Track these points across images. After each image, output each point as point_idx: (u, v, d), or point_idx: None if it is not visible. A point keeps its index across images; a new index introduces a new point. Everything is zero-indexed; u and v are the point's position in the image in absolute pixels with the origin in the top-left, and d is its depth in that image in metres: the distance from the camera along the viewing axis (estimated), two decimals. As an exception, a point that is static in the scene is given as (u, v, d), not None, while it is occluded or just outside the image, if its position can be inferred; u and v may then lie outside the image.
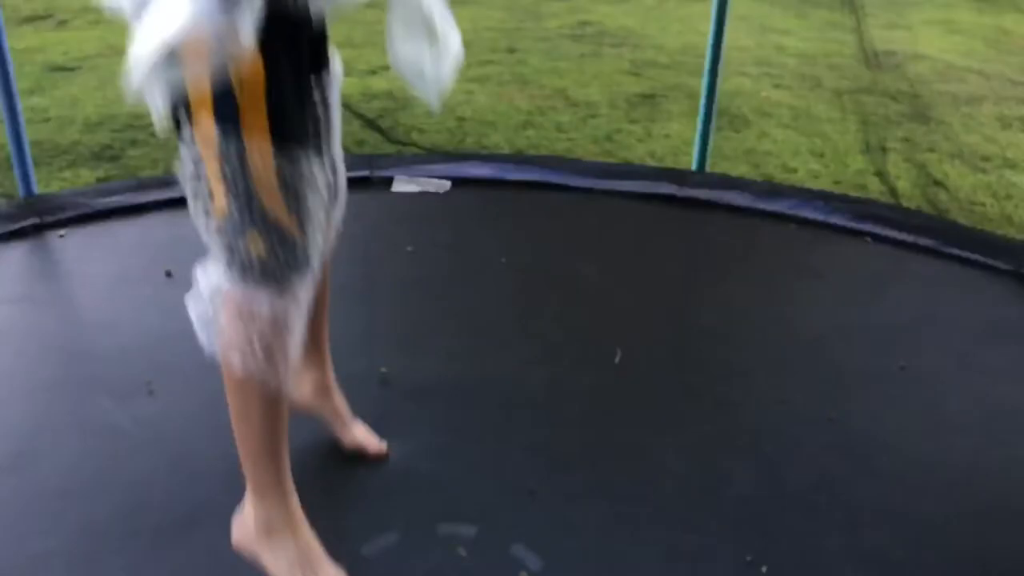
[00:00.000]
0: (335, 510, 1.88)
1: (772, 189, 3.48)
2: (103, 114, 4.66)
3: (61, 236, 2.92)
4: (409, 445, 2.05)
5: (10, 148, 3.03)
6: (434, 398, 2.24)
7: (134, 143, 4.30)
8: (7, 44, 2.83)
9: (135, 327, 2.46)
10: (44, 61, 5.50)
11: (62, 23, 6.63)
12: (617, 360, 2.40)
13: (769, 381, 2.37)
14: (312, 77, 1.52)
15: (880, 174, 4.12)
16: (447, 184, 3.36)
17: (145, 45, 1.24)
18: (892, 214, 3.28)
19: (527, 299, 2.74)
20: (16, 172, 3.06)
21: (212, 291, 1.52)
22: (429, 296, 2.74)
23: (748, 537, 1.84)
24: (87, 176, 3.90)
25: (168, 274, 2.64)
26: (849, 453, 2.11)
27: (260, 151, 1.39)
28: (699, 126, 3.48)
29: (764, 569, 1.76)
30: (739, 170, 4.06)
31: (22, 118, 2.97)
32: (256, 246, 1.43)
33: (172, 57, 1.24)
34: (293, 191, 1.43)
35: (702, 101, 3.48)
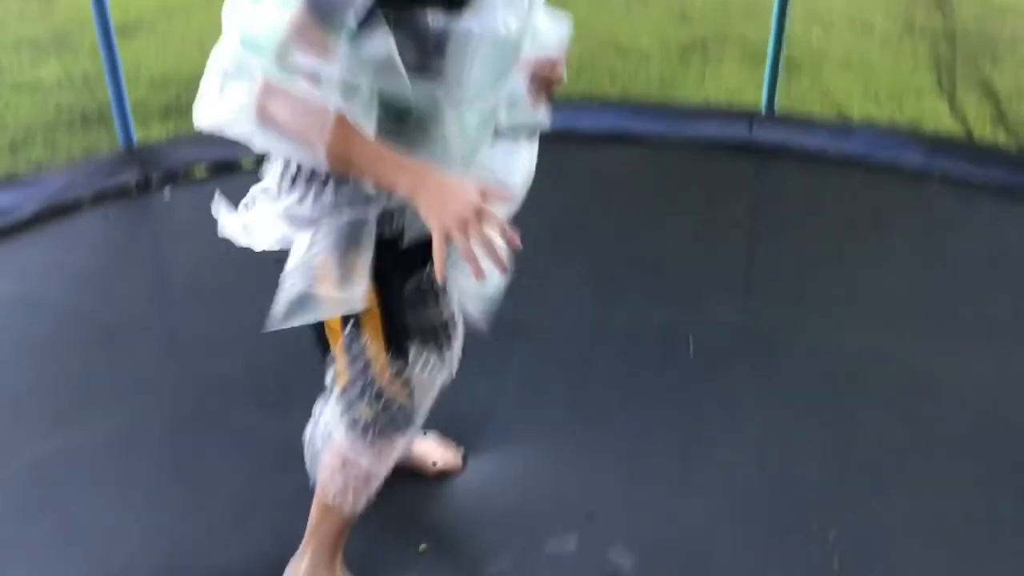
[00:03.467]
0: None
1: (844, 128, 3.53)
2: (167, 72, 4.76)
3: (165, 197, 3.06)
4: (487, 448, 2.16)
5: (111, 102, 3.15)
6: (505, 358, 2.34)
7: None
8: (109, 6, 2.93)
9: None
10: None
11: (115, -16, 6.73)
12: (691, 349, 2.47)
13: (853, 322, 2.47)
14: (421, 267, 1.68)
15: (939, 114, 4.17)
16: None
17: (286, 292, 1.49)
18: (963, 149, 3.33)
19: (601, 245, 2.85)
20: (117, 123, 3.18)
21: (324, 432, 1.74)
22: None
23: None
24: (158, 131, 4.00)
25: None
26: (933, 393, 2.21)
27: (378, 357, 1.62)
28: (768, 67, 3.54)
29: (832, 535, 1.89)
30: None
31: (122, 73, 3.08)
32: (368, 413, 1.65)
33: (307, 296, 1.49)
34: (408, 383, 1.66)
35: (771, 42, 3.55)
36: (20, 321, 2.51)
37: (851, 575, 1.80)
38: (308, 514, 1.79)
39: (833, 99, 4.35)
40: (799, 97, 4.38)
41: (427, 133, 1.43)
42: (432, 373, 1.72)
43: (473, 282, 1.49)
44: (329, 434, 1.73)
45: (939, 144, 3.37)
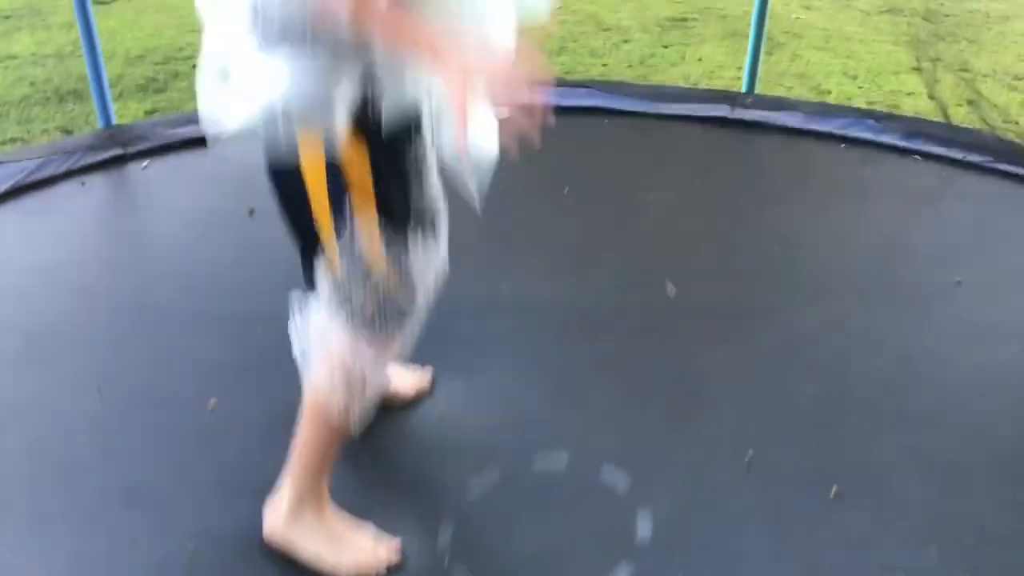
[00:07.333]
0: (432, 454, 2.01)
1: (823, 109, 3.56)
2: (143, 47, 4.70)
3: (144, 168, 3.03)
4: (473, 377, 2.18)
5: (90, 81, 3.11)
6: (495, 324, 2.34)
7: (177, 75, 4.35)
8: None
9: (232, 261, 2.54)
10: (77, -6, 5.52)
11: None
12: (671, 292, 2.51)
13: (829, 300, 2.48)
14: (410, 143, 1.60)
15: (912, 94, 4.19)
16: (503, 111, 3.44)
17: (244, 105, 1.39)
18: (940, 131, 3.36)
19: (588, 224, 2.85)
20: (95, 102, 3.14)
21: (317, 334, 1.64)
22: (489, 221, 2.81)
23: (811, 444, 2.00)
24: (135, 109, 3.96)
25: (251, 212, 2.65)
26: (906, 365, 2.23)
27: (370, 235, 1.53)
28: (750, 47, 3.55)
29: (822, 472, 1.92)
30: (774, 93, 4.12)
31: (100, 51, 3.04)
32: (366, 306, 1.57)
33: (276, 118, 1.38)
34: (401, 266, 1.57)
35: (753, 21, 3.55)
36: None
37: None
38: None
39: (812, 78, 4.38)
40: (776, 76, 4.40)
41: None
42: (427, 258, 1.62)
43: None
44: (322, 332, 1.63)
45: (917, 126, 3.39)
